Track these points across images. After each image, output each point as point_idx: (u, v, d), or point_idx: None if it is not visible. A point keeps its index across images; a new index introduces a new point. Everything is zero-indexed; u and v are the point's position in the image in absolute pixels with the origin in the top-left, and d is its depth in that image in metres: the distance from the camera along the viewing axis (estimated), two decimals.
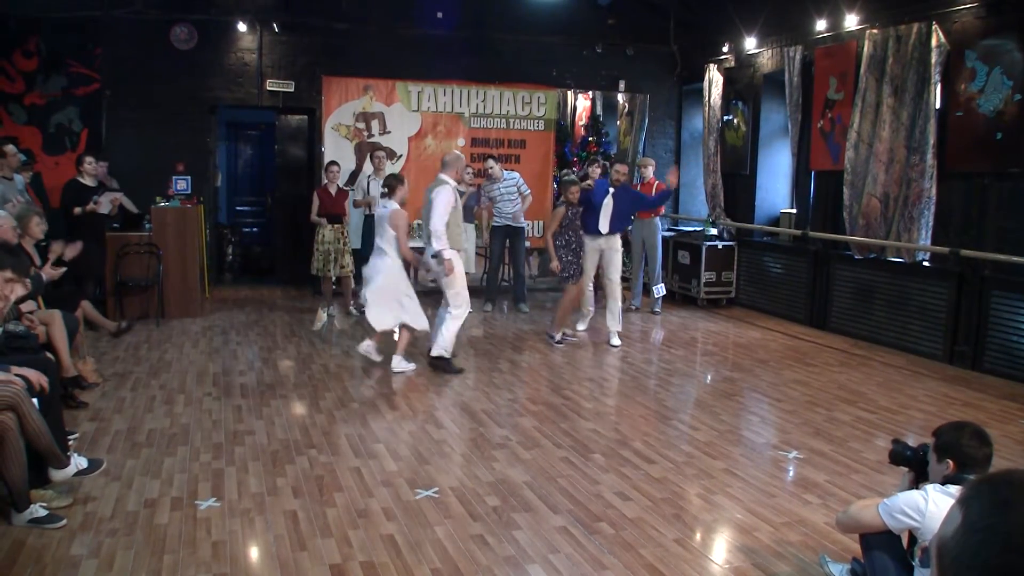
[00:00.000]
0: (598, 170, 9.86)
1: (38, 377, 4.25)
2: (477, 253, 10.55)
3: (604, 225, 8.25)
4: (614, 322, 8.37)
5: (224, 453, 5.00)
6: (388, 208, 6.91)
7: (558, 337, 8.32)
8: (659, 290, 10.11)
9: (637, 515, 4.22)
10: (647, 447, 5.29)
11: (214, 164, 11.49)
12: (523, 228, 10.08)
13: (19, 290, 4.67)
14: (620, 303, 8.43)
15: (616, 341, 8.34)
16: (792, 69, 9.62)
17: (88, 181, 8.58)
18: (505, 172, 9.94)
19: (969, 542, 0.97)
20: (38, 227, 6.43)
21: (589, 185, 8.76)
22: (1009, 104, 7.06)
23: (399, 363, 7.07)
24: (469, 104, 11.08)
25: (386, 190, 7.07)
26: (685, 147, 12.61)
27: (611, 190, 8.26)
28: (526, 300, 10.09)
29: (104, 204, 8.50)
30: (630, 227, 9.91)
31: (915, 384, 7.05)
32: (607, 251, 8.38)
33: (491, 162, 9.85)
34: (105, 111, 10.22)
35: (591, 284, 8.74)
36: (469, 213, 9.82)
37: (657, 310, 10.08)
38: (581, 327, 8.93)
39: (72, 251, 6.03)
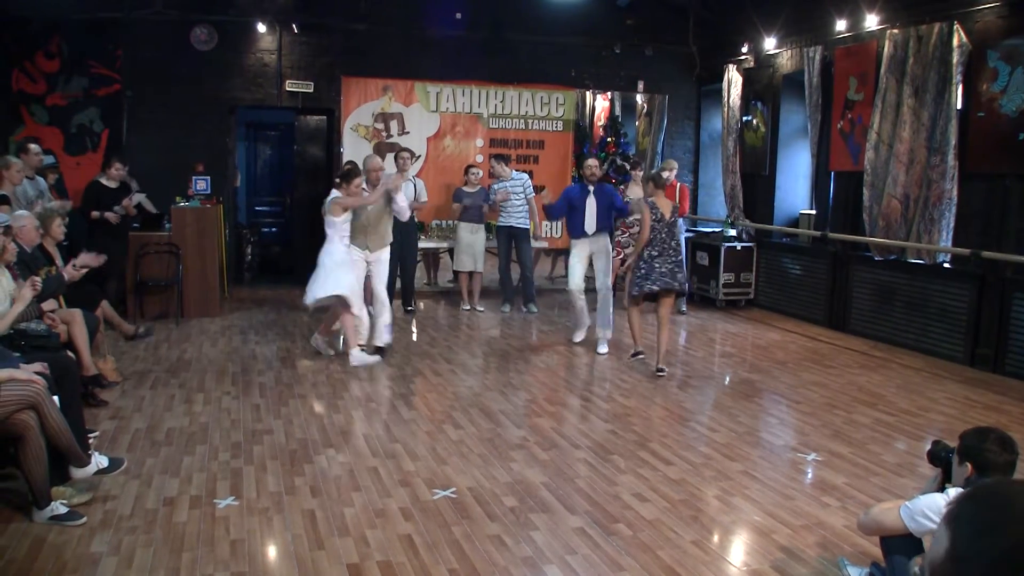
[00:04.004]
0: (640, 173, 9.82)
1: (28, 377, 4.10)
2: (488, 251, 10.53)
3: (591, 225, 7.83)
4: (605, 328, 7.93)
5: (243, 452, 5.03)
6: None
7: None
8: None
9: (655, 516, 4.21)
10: (665, 448, 5.27)
11: (234, 164, 11.54)
12: (527, 229, 10.00)
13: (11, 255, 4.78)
14: (611, 307, 7.97)
15: (603, 348, 7.87)
16: (812, 69, 9.56)
17: (110, 183, 8.66)
18: (514, 172, 10.01)
19: (955, 570, 0.98)
20: (59, 228, 6.50)
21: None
22: None
23: (359, 357, 7.28)
24: (488, 105, 11.09)
25: (338, 180, 7.35)
26: (704, 148, 12.56)
27: (591, 188, 7.87)
28: (535, 301, 10.03)
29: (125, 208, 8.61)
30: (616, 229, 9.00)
31: (935, 387, 6.99)
32: (596, 253, 7.95)
33: (493, 162, 10.04)
34: (126, 112, 10.30)
35: (581, 291, 8.05)
36: (479, 212, 9.84)
37: (683, 309, 10.05)
38: (578, 338, 8.28)
39: (95, 261, 6.09)
